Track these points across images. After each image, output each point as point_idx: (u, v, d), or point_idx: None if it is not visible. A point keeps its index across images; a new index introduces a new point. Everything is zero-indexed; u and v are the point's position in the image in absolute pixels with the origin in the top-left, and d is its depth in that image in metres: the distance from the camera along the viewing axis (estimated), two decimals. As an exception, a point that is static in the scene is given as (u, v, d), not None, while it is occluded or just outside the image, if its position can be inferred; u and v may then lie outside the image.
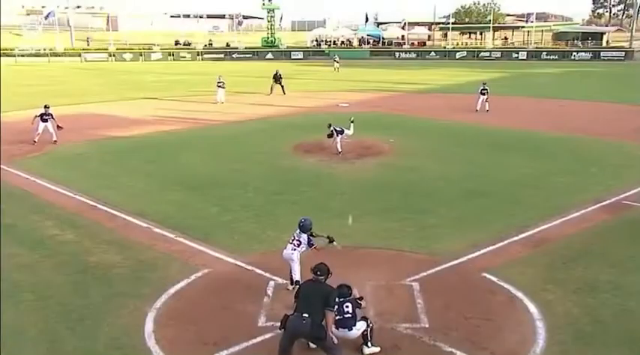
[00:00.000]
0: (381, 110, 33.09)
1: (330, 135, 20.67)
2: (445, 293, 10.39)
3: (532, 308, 9.81)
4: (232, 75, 58.55)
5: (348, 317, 8.64)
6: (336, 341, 8.24)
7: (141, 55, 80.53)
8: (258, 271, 11.28)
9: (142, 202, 15.63)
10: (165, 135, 25.94)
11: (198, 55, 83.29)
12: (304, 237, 10.30)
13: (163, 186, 17.52)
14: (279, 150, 22.27)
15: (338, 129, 20.69)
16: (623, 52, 74.78)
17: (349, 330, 8.61)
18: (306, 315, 8.03)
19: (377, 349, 8.65)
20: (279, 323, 8.82)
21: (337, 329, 8.48)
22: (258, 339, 8.91)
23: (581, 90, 42.32)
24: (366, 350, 8.63)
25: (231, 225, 14.05)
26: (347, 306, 8.70)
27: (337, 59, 59.68)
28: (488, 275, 11.02)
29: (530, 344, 8.80)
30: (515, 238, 12.94)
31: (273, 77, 40.70)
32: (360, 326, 8.68)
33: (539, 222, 13.85)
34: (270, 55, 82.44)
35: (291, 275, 10.35)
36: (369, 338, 8.64)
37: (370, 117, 30.47)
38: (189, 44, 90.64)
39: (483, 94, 31.49)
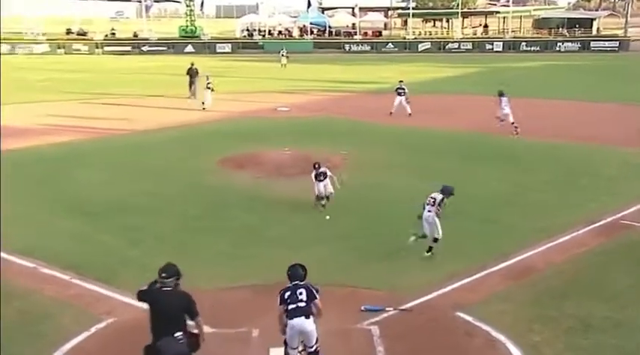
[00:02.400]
0: (329, 114, 33.38)
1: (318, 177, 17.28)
2: (411, 337, 10.48)
3: (516, 352, 10.01)
4: (142, 73, 58.07)
5: (303, 306, 9.09)
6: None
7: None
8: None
9: (27, 235, 15.18)
10: (58, 148, 25.37)
11: (97, 47, 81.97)
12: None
13: (55, 213, 17.10)
14: (202, 166, 22.13)
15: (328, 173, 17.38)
16: (617, 42, 77.79)
17: (306, 318, 9.09)
18: (179, 334, 8.35)
19: None
20: None
21: (292, 319, 9.00)
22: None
23: (567, 87, 43.91)
24: None
25: (142, 261, 13.77)
26: (300, 293, 9.15)
27: (285, 53, 60.03)
28: (462, 315, 11.19)
29: (514, 396, 8.96)
30: (495, 268, 13.25)
31: (188, 73, 39.66)
32: (315, 326, 9.09)
33: (521, 248, 14.22)
34: (190, 48, 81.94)
35: None
36: None
37: (316, 124, 30.75)
38: (84, 34, 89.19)
39: (400, 95, 32.37)
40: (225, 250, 14.43)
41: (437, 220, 13.82)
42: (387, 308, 11.37)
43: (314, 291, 9.32)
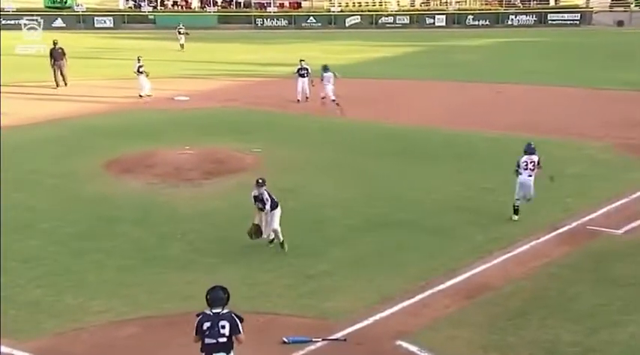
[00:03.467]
0: (237, 104, 33.28)
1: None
2: (344, 374, 10.54)
3: (469, 387, 10.20)
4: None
5: (224, 342, 9.20)
6: None
7: None
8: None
9: None
10: None
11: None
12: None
13: None
14: (83, 170, 21.72)
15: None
16: (578, 14, 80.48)
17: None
18: None
19: None
20: None
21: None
22: None
23: (522, 69, 44.98)
24: None
25: (6, 292, 13.41)
26: (223, 327, 9.21)
27: (183, 30, 59.34)
28: (404, 344, 11.30)
29: None
30: (442, 286, 13.44)
31: (51, 55, 38.34)
32: None
33: (473, 261, 14.50)
34: (59, 22, 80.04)
35: None
36: None
37: (223, 116, 30.62)
38: None
39: (303, 76, 33.30)
40: (113, 276, 14.18)
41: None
42: (314, 339, 11.41)
43: (238, 324, 9.33)
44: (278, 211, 15.17)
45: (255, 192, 15.06)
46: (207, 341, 9.26)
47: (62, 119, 29.80)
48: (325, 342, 11.40)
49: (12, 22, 78.88)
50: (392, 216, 17.34)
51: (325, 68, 32.21)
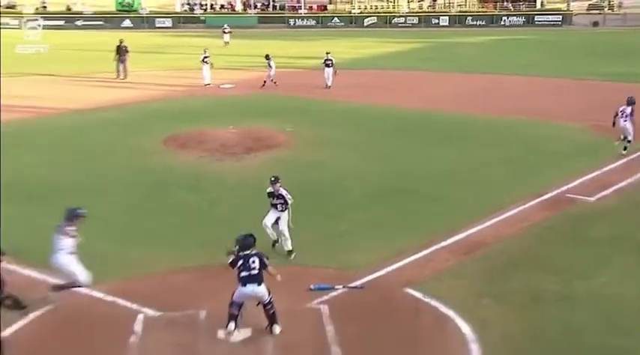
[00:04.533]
0: (274, 91, 33.23)
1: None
2: (361, 316, 10.60)
3: (465, 328, 10.20)
4: (77, 49, 56.71)
5: (256, 274, 9.78)
6: None
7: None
8: (122, 302, 11.03)
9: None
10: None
11: (27, 21, 79.68)
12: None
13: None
14: (145, 146, 21.83)
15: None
16: (560, 16, 79.69)
17: (258, 286, 9.77)
18: None
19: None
20: None
21: (245, 285, 9.70)
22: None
23: (513, 62, 44.59)
24: (277, 329, 9.91)
25: (83, 244, 13.53)
26: (253, 262, 9.82)
27: (227, 29, 59.18)
28: (412, 291, 11.35)
29: (464, 371, 9.17)
30: (444, 243, 13.45)
31: (117, 51, 38.14)
32: (266, 289, 9.82)
33: (470, 223, 14.46)
34: (127, 23, 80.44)
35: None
36: (275, 315, 9.92)
37: (261, 101, 30.63)
38: (13, 6, 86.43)
39: (328, 66, 33.58)
40: (171, 233, 14.28)
41: (630, 126, 19.55)
42: (336, 287, 11.44)
43: (265, 261, 9.96)
44: (286, 214, 13.14)
45: (269, 189, 13.30)
46: (242, 274, 9.82)
47: (124, 104, 29.89)
48: (345, 289, 11.42)
49: (89, 23, 79.60)
50: (402, 186, 17.33)
51: (267, 57, 34.33)
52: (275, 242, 13.21)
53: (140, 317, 10.51)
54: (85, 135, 23.74)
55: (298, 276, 11.82)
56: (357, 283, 11.65)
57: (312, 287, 11.42)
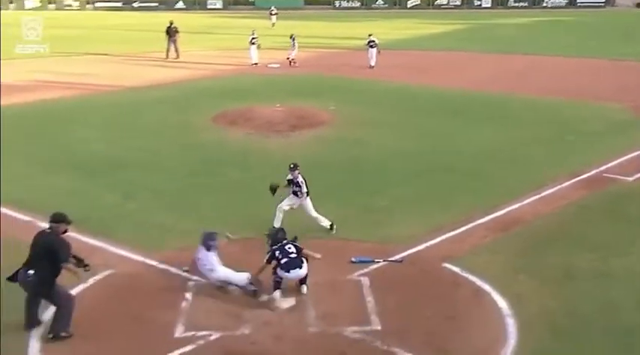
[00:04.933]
0: (318, 71, 33.15)
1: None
2: (399, 288, 10.58)
3: (501, 302, 10.11)
4: (133, 29, 57.27)
5: (295, 257, 10.26)
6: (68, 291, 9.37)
7: (11, 2, 77.32)
8: (174, 270, 11.19)
9: (21, 190, 15.11)
10: (50, 104, 25.18)
11: (88, 3, 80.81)
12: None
13: (49, 169, 17.04)
14: (195, 122, 22.03)
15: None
16: (603, -3, 77.52)
17: (300, 269, 10.22)
18: (30, 272, 9.09)
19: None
20: (200, 333, 9.14)
21: (288, 271, 10.13)
22: (176, 353, 8.83)
23: (553, 43, 43.64)
24: (305, 289, 10.33)
25: (138, 216, 13.84)
26: (290, 247, 10.36)
27: (274, 11, 59.08)
28: (449, 266, 11.29)
29: (500, 344, 9.08)
30: (481, 220, 13.30)
31: (167, 32, 38.00)
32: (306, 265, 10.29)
33: (508, 201, 14.26)
34: (180, 4, 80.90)
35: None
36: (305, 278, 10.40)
37: (305, 80, 30.60)
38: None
39: (372, 47, 33.30)
40: (220, 206, 14.38)
41: None
42: (376, 260, 11.45)
43: (299, 245, 10.54)
44: (308, 200, 12.83)
45: (289, 177, 12.92)
46: (283, 261, 10.23)
47: (176, 82, 30.16)
48: (385, 263, 11.43)
49: (145, 4, 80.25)
50: (442, 163, 17.20)
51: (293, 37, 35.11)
52: (274, 229, 12.48)
53: (190, 284, 10.68)
54: (138, 112, 24.05)
55: (340, 250, 11.86)
56: (397, 257, 11.64)
57: (353, 259, 11.44)
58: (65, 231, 9.53)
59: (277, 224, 12.50)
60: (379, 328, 9.40)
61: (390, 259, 11.53)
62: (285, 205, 12.86)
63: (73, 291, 10.16)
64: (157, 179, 16.29)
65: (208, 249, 10.53)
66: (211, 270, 10.44)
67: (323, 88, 28.39)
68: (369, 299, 10.17)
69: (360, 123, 21.67)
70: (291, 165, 12.93)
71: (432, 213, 13.72)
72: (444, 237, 12.52)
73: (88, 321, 9.57)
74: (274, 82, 30.14)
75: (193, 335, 9.17)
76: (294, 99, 25.03)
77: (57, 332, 9.18)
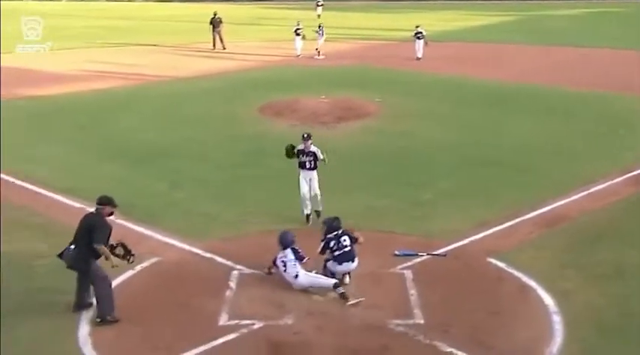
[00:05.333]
0: (364, 62, 32.99)
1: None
2: (443, 282, 10.48)
3: (547, 299, 9.93)
4: (179, 20, 57.82)
5: (349, 251, 10.30)
6: (105, 274, 9.43)
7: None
8: (219, 259, 11.26)
9: (71, 177, 15.41)
10: (100, 94, 25.60)
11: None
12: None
13: (98, 157, 17.34)
14: (240, 114, 22.14)
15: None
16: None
17: (352, 263, 10.30)
18: (72, 247, 9.40)
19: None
20: (244, 322, 9.23)
21: (340, 264, 10.22)
22: (220, 341, 8.89)
23: (603, 35, 42.69)
24: (347, 279, 10.33)
25: (184, 205, 13.97)
26: (344, 240, 10.35)
27: (320, 3, 59.01)
28: (494, 261, 11.13)
29: (545, 342, 8.91)
30: (528, 216, 13.08)
31: (211, 23, 38.42)
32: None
33: (555, 196, 14.00)
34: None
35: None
36: None
37: (352, 72, 30.51)
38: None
39: (419, 38, 33.09)
40: (264, 196, 14.44)
41: None
42: (420, 253, 11.36)
43: (353, 236, 10.48)
44: (316, 174, 12.88)
45: (300, 146, 12.85)
46: (337, 253, 10.26)
47: (222, 73, 30.40)
48: (429, 256, 11.33)
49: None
50: (489, 157, 16.97)
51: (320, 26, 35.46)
52: (309, 216, 12.94)
53: (234, 273, 10.72)
54: (186, 102, 24.29)
55: (384, 242, 11.78)
56: (441, 251, 11.53)
57: (396, 252, 11.37)
58: (111, 214, 9.72)
59: (307, 210, 12.84)
60: (422, 322, 9.31)
61: (434, 253, 11.42)
62: (306, 190, 12.80)
63: (121, 278, 10.34)
64: (204, 169, 16.42)
65: (285, 248, 10.33)
66: (295, 277, 10.19)
67: (369, 79, 28.27)
68: (412, 293, 10.09)
69: (406, 115, 21.55)
70: (305, 135, 12.94)
71: (477, 207, 13.54)
72: (488, 231, 12.34)
73: (134, 307, 9.72)
74: (320, 73, 30.11)
75: (237, 323, 9.22)
76: (339, 91, 24.98)
77: (103, 315, 9.36)
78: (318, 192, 12.90)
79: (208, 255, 11.46)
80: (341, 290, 9.95)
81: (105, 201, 9.65)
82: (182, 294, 10.10)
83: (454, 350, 8.68)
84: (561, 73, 29.70)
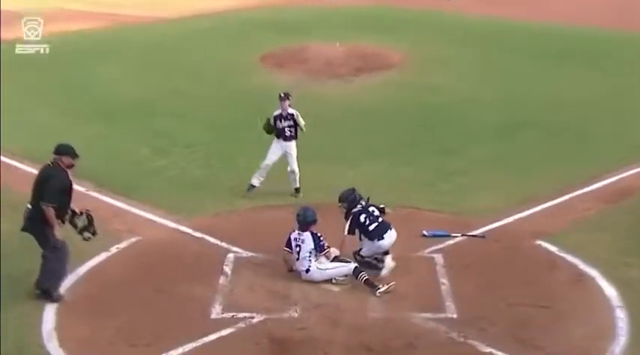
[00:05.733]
0: (387, 2, 32.67)
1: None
2: (481, 269, 10.35)
3: (609, 289, 9.76)
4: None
5: (382, 221, 10.26)
6: (59, 245, 9.27)
7: None
8: (210, 239, 11.21)
9: (35, 140, 15.21)
10: (76, 38, 25.48)
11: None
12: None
13: (69, 114, 17.24)
14: (238, 63, 22.03)
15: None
16: None
17: (392, 230, 10.20)
18: (29, 206, 9.33)
19: None
20: (241, 315, 9.12)
21: (382, 238, 10.06)
22: (212, 337, 8.79)
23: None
24: (391, 260, 10.16)
25: (170, 173, 13.90)
26: (373, 211, 10.31)
27: None
28: (544, 244, 10.99)
29: (607, 341, 8.77)
30: (584, 190, 12.94)
31: None
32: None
33: (617, 166, 13.84)
34: None
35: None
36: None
37: (371, 14, 30.25)
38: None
39: None
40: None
41: None
42: (453, 234, 11.25)
43: (379, 206, 10.49)
44: (294, 145, 12.79)
45: (277, 111, 12.76)
46: (372, 227, 10.13)
47: (216, 13, 30.21)
48: (464, 238, 11.18)
49: None
50: (533, 117, 16.83)
51: None
52: (253, 186, 12.71)
53: (230, 256, 10.63)
54: (174, 48, 24.17)
55: (410, 220, 11.61)
56: (478, 231, 11.40)
57: (425, 233, 11.25)
58: (71, 166, 9.54)
59: (256, 182, 12.63)
60: (455, 316, 9.22)
61: (469, 234, 11.29)
62: (270, 158, 12.74)
63: (93, 261, 10.24)
64: (192, 130, 16.34)
65: (304, 229, 10.04)
66: (307, 271, 9.95)
67: (394, 22, 28.03)
68: (444, 281, 10.00)
69: (436, 65, 21.45)
70: (282, 94, 12.84)
71: (522, 179, 13.39)
72: (536, 209, 12.21)
73: (109, 297, 9.62)
74: (334, 15, 29.85)
75: (233, 316, 9.12)
76: (358, 36, 24.71)
77: (44, 287, 9.34)
78: (296, 169, 12.76)
79: (198, 234, 11.39)
80: (364, 275, 9.77)
81: (62, 150, 9.46)
82: (166, 281, 9.98)
83: (493, 351, 8.57)
84: (621, 13, 29.19)
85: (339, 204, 10.45)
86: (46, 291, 9.31)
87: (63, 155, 9.41)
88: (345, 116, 17.21)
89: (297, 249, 10.00)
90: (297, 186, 12.79)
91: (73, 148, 9.49)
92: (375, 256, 10.18)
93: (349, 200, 10.38)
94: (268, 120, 12.83)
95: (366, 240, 10.15)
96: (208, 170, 13.97)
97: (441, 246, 10.97)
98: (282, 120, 12.70)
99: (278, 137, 12.77)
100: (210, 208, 12.25)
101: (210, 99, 18.57)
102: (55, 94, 19.02)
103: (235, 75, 20.80)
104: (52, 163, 9.42)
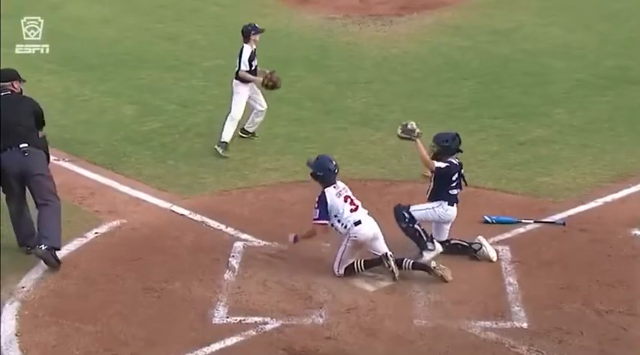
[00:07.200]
0: None
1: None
2: (559, 265, 10.36)
3: None
4: None
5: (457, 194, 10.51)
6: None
7: None
8: (213, 223, 11.32)
9: None
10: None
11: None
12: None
13: (34, 64, 17.28)
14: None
15: None
16: None
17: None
18: (21, 146, 9.72)
19: None
20: (251, 320, 9.18)
21: (452, 205, 10.41)
22: (214, 347, 8.91)
23: None
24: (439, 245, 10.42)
25: (163, 140, 13.99)
26: (461, 177, 10.52)
27: None
28: (640, 233, 11.01)
29: None
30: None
31: None
32: None
33: None
34: None
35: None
36: None
37: None
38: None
39: None
40: (285, 129, 14.49)
41: None
42: (523, 220, 11.26)
43: None
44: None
45: (250, 49, 13.83)
46: (453, 191, 10.42)
47: None
48: (538, 225, 11.21)
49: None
50: (636, 71, 16.64)
51: None
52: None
53: (237, 245, 10.75)
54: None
55: (468, 202, 11.41)
56: (557, 218, 11.41)
57: (487, 218, 11.31)
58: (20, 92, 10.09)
59: (227, 138, 13.20)
60: (525, 325, 9.26)
61: (545, 220, 11.30)
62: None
63: (66, 249, 10.36)
64: (189, 84, 16.36)
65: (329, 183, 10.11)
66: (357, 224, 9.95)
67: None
68: (511, 281, 10.05)
69: (507, 3, 21.41)
70: (252, 28, 13.89)
71: (615, 153, 13.40)
72: (630, 190, 12.21)
73: (85, 293, 9.73)
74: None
75: (240, 321, 9.21)
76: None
77: (56, 244, 9.90)
78: (264, 107, 13.69)
79: (197, 216, 11.49)
80: (391, 260, 9.82)
81: (11, 76, 10.00)
82: (156, 277, 10.09)
83: (575, 372, 8.61)
84: None
85: (432, 144, 10.48)
86: (56, 249, 9.80)
87: (13, 81, 9.91)
88: (382, 67, 17.15)
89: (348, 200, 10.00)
90: (252, 130, 13.68)
91: (16, 72, 10.07)
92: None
93: (446, 144, 10.45)
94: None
95: (432, 204, 10.29)
96: (211, 137, 13.95)
97: (507, 235, 11.02)
98: (255, 59, 13.47)
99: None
100: (213, 184, 12.39)
101: (214, 47, 18.64)
102: (19, 39, 19.04)
103: (244, 13, 20.66)
104: (11, 92, 9.90)
